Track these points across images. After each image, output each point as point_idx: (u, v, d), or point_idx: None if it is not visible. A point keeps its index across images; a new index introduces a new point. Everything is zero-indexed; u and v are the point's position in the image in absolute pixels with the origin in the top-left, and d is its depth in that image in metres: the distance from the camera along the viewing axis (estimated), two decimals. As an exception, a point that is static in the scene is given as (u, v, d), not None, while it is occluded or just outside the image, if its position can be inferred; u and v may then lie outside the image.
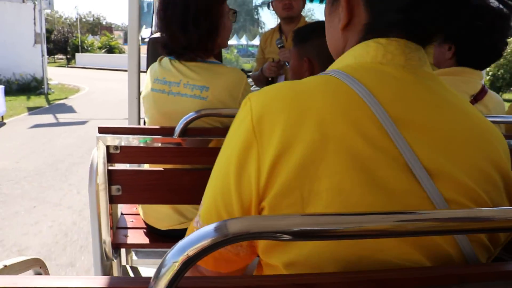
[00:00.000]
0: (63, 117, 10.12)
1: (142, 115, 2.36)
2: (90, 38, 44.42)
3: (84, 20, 66.93)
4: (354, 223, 0.50)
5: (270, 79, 3.11)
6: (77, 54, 36.13)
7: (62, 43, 38.31)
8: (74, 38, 39.05)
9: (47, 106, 12.25)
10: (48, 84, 15.26)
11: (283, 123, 0.63)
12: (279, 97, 0.66)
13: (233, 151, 0.67)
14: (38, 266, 1.31)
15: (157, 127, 1.57)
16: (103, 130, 1.51)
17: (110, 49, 38.01)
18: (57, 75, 21.63)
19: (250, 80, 3.22)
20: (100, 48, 39.20)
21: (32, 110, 11.07)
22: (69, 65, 35.02)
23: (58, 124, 9.31)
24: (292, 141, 0.62)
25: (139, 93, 2.37)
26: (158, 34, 3.10)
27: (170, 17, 1.62)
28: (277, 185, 0.62)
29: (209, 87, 1.61)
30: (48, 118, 9.95)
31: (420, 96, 0.68)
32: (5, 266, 1.06)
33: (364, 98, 0.64)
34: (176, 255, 0.50)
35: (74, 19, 61.90)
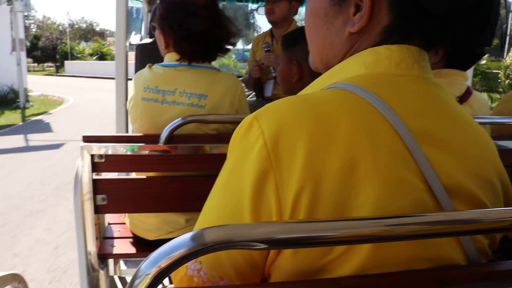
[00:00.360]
0: (35, 138, 8.18)
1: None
2: (82, 45, 43.53)
3: (76, 26, 66.58)
4: (330, 230, 0.49)
5: (256, 81, 3.09)
6: (66, 62, 34.51)
7: (51, 50, 36.75)
8: (63, 44, 37.70)
9: (20, 123, 10.10)
10: (27, 96, 13.72)
11: (306, 148, 0.57)
12: (294, 116, 0.60)
13: (244, 181, 0.60)
14: (17, 281, 1.28)
15: (141, 134, 1.55)
16: (87, 139, 1.49)
17: (102, 56, 36.84)
18: (43, 84, 20.32)
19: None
20: (91, 55, 37.65)
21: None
22: (57, 74, 33.56)
23: (27, 148, 7.43)
24: (319, 170, 0.56)
25: (127, 100, 2.34)
26: (147, 40, 3.10)
27: (178, 19, 1.59)
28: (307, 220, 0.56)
29: (208, 95, 1.59)
30: (17, 140, 8.01)
31: (436, 109, 0.66)
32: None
33: (385, 114, 0.60)
34: (149, 267, 0.49)
35: (67, 25, 61.81)
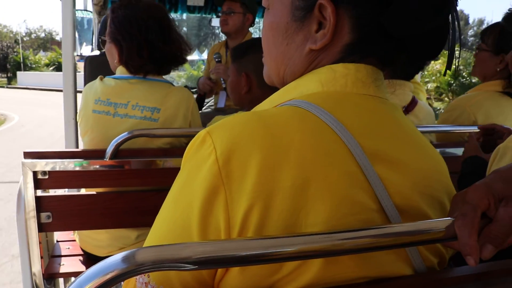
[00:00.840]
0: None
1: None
2: (39, 54, 41.57)
3: (34, 35, 64.68)
4: (260, 248, 0.49)
5: (203, 94, 3.08)
6: (18, 73, 31.97)
7: (1, 60, 34.28)
8: (15, 54, 35.16)
9: None
10: None
11: (257, 166, 0.56)
12: (248, 133, 0.59)
13: (194, 196, 0.59)
14: None
15: (86, 149, 1.52)
16: (29, 155, 1.44)
17: (60, 67, 35.20)
18: None
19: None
20: (47, 65, 35.19)
21: None
22: (9, 85, 30.98)
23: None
24: (270, 188, 0.55)
25: (76, 113, 2.29)
26: (96, 52, 3.04)
27: (145, 31, 1.58)
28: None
29: (161, 108, 1.57)
30: None
31: (391, 129, 0.67)
32: None
33: (339, 133, 0.60)
34: (83, 283, 0.48)
35: (24, 34, 59.90)
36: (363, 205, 0.58)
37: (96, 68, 2.61)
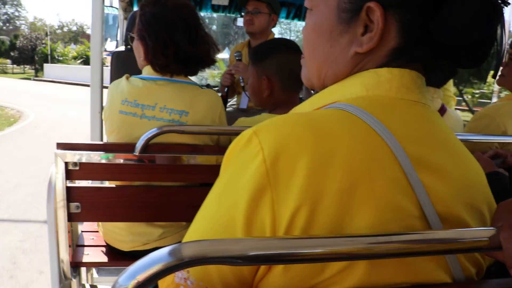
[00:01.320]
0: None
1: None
2: (72, 47, 41.18)
3: (66, 28, 65.06)
4: (308, 247, 0.50)
5: (226, 89, 3.09)
6: (45, 65, 31.04)
7: (29, 51, 33.67)
8: (43, 45, 34.53)
9: None
10: None
11: (306, 168, 0.56)
12: (295, 135, 0.59)
13: (240, 195, 0.59)
14: None
15: (117, 143, 1.55)
16: (62, 146, 1.48)
17: (87, 60, 33.03)
18: (10, 90, 18.27)
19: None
20: (75, 58, 34.72)
21: None
22: (36, 78, 29.91)
23: None
24: (317, 190, 0.56)
25: (102, 108, 2.33)
26: (122, 48, 3.08)
27: (172, 29, 1.57)
28: None
29: (189, 111, 1.57)
30: None
31: (434, 135, 0.67)
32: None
33: (384, 137, 0.60)
34: (126, 280, 0.49)
35: (56, 26, 60.27)
36: (406, 211, 0.58)
37: (122, 63, 2.65)
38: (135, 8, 3.96)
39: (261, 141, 0.60)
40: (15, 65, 36.20)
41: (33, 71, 34.45)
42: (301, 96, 2.12)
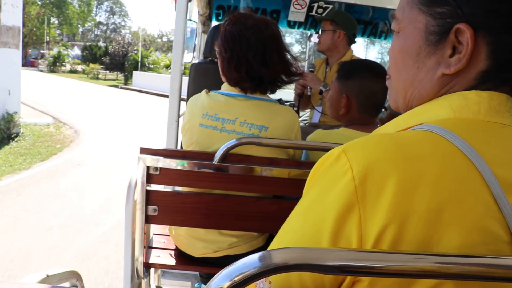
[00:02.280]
0: None
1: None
2: (169, 55, 41.67)
3: (166, 38, 67.98)
4: (399, 262, 0.50)
5: (298, 102, 3.13)
6: (134, 73, 29.65)
7: (120, 58, 32.22)
8: (135, 52, 33.30)
9: None
10: (19, 125, 9.63)
11: (395, 187, 0.57)
12: (384, 154, 0.60)
13: (327, 211, 0.60)
14: (75, 278, 1.34)
15: (197, 151, 1.60)
16: (144, 151, 1.55)
17: None
18: (86, 100, 17.56)
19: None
20: (167, 67, 33.52)
21: None
22: (124, 86, 28.69)
23: None
24: (405, 210, 0.56)
25: (179, 116, 2.41)
26: (201, 60, 3.19)
27: (246, 48, 1.60)
28: None
29: (269, 127, 1.60)
30: None
31: None
32: (47, 275, 1.10)
33: (473, 160, 0.59)
34: (222, 280, 0.51)
35: (156, 36, 62.98)
36: (495, 235, 0.56)
37: (200, 74, 2.73)
38: (214, 22, 4.09)
39: (350, 159, 0.61)
40: (108, 71, 35.72)
41: (122, 77, 33.54)
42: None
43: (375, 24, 3.93)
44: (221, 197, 1.60)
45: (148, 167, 1.55)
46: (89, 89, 24.68)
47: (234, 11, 3.92)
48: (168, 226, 1.96)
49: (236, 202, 1.59)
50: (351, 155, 0.61)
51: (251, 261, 0.50)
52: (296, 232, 0.65)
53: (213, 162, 1.52)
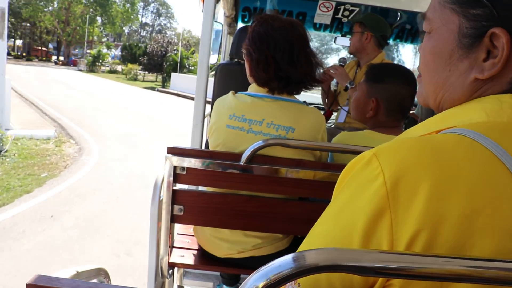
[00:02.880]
0: None
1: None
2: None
3: None
4: (435, 264, 0.49)
5: (330, 108, 3.17)
6: (173, 74, 27.82)
7: (159, 58, 30.24)
8: (174, 52, 31.19)
9: None
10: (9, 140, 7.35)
11: (428, 192, 0.56)
12: (416, 159, 0.59)
13: (358, 215, 0.60)
14: (102, 275, 1.36)
15: (224, 152, 1.61)
16: (171, 151, 1.57)
17: None
18: (112, 105, 15.57)
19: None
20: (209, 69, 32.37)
21: None
22: (161, 89, 26.64)
23: None
24: (438, 216, 0.55)
25: (204, 117, 2.42)
26: (227, 61, 3.20)
27: (273, 48, 1.62)
28: None
29: (296, 128, 1.61)
30: None
31: None
32: (77, 272, 1.12)
33: (509, 166, 0.58)
34: (258, 279, 0.51)
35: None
36: None
37: (226, 75, 2.75)
38: (239, 24, 4.11)
39: (382, 163, 0.60)
40: (147, 72, 33.72)
41: (161, 78, 31.25)
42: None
43: (402, 27, 3.90)
44: (247, 198, 1.60)
45: (175, 167, 1.56)
46: (122, 90, 23.53)
47: (260, 13, 3.93)
48: (193, 226, 1.97)
49: (262, 203, 1.59)
50: (382, 159, 0.61)
51: (286, 262, 0.50)
52: (326, 236, 0.64)
53: (240, 163, 1.52)
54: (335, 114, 3.39)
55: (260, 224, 1.61)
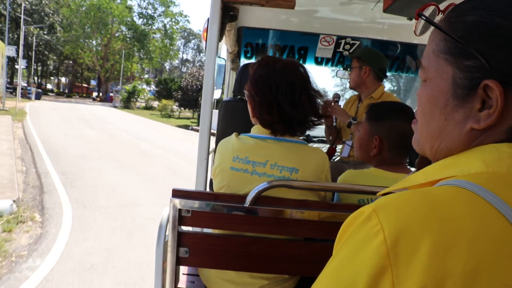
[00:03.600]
0: None
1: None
2: None
3: None
4: None
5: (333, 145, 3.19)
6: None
7: (194, 93, 28.57)
8: None
9: None
10: None
11: (429, 250, 0.55)
12: (416, 215, 0.58)
13: (359, 274, 0.58)
14: None
15: (228, 194, 1.61)
16: (176, 193, 1.57)
17: None
18: (132, 154, 12.49)
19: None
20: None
21: None
22: (197, 127, 23.38)
23: None
24: (440, 273, 0.54)
25: (208, 154, 2.43)
26: (231, 98, 3.23)
27: (275, 91, 1.64)
28: None
29: (299, 169, 1.62)
30: None
31: None
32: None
33: (510, 219, 0.57)
34: None
35: None
36: None
37: (230, 111, 2.77)
38: (242, 60, 4.16)
39: (381, 220, 0.59)
40: (183, 108, 32.06)
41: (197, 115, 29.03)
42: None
43: (402, 59, 3.94)
44: (252, 239, 1.59)
45: (180, 210, 1.56)
46: (150, 130, 21.29)
47: (263, 49, 3.99)
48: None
49: (267, 244, 1.58)
50: (382, 216, 0.60)
51: None
52: None
53: (245, 205, 1.53)
54: (338, 147, 3.40)
55: (266, 266, 1.60)
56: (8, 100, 29.99)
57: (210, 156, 2.70)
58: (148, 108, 39.39)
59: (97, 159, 11.10)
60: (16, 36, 43.23)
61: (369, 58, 3.05)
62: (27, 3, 45.90)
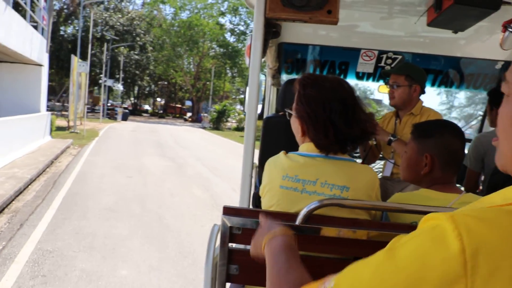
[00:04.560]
0: None
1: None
2: None
3: None
4: None
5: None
6: None
7: None
8: None
9: None
10: None
11: (511, 272, 0.54)
12: (500, 232, 0.57)
13: (430, 270, 0.58)
14: None
15: (280, 212, 1.62)
16: (227, 211, 1.59)
17: None
18: (190, 195, 9.50)
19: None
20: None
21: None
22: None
23: None
24: None
25: (252, 169, 2.45)
26: (273, 114, 3.26)
27: (329, 111, 1.62)
28: None
29: (350, 187, 1.61)
30: None
31: None
32: None
33: None
34: None
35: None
36: None
37: (272, 128, 2.79)
38: (283, 76, 4.18)
39: (460, 228, 0.58)
40: None
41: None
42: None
43: (446, 73, 3.88)
44: (302, 257, 1.57)
45: (231, 227, 1.58)
46: (233, 158, 17.66)
47: (303, 64, 4.01)
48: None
49: (318, 263, 1.58)
50: (461, 224, 0.58)
51: None
52: (385, 281, 0.63)
53: (296, 223, 1.53)
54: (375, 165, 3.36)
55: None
56: (91, 121, 29.92)
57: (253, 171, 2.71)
58: (239, 129, 37.55)
59: (128, 218, 7.21)
60: (108, 57, 43.30)
61: (419, 76, 3.00)
62: (119, 24, 46.72)
